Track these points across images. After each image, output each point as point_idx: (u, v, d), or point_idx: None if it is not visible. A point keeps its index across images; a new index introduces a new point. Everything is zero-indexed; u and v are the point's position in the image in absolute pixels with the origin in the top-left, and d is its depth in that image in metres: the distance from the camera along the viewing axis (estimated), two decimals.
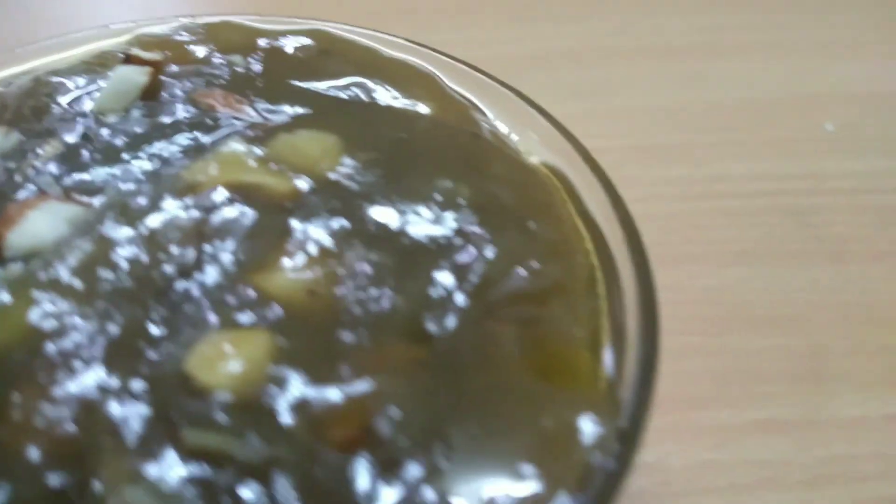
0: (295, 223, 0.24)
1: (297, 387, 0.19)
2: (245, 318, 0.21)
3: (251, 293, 0.22)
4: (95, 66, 0.30)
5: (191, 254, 0.23)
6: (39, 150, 0.26)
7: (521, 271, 0.23)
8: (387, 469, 0.19)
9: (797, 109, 0.54)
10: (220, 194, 0.24)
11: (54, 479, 0.18)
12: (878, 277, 0.43)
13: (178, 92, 0.28)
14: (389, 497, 0.18)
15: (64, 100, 0.28)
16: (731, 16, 0.62)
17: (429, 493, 0.18)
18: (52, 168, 0.26)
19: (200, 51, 0.31)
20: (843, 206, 0.47)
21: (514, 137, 0.30)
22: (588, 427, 0.20)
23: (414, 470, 0.19)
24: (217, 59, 0.30)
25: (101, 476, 0.18)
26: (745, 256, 0.44)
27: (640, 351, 0.22)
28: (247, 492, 0.18)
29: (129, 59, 0.28)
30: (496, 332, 0.22)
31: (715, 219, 0.45)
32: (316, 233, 0.23)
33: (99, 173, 0.26)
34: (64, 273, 0.22)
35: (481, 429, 0.20)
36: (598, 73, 0.55)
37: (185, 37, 0.31)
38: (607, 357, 0.22)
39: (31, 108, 0.28)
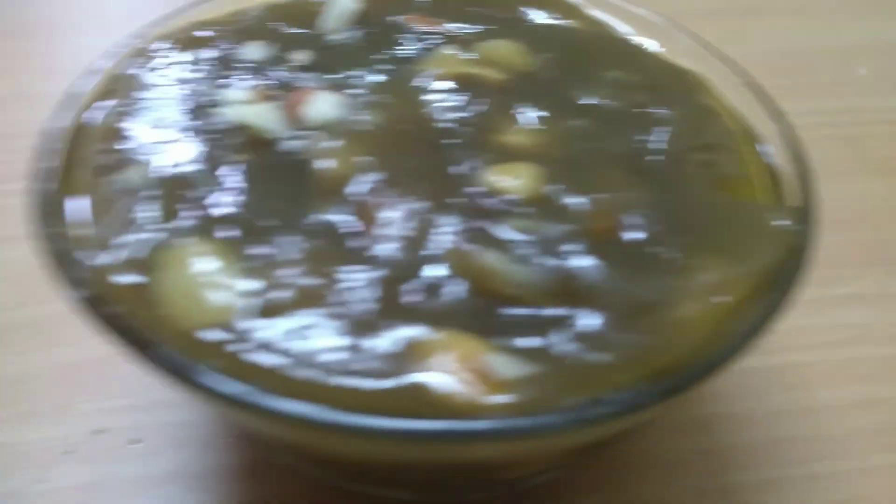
0: (514, 101, 0.30)
1: (565, 194, 0.26)
2: (503, 159, 0.28)
3: (498, 146, 0.29)
4: None
5: (446, 121, 0.29)
6: (292, 58, 0.33)
7: (696, 130, 0.30)
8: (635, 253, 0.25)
9: (832, 59, 0.62)
10: (452, 80, 0.31)
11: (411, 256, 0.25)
12: None
13: (385, 16, 0.35)
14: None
15: (292, 25, 0.35)
16: None
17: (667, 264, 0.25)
18: (306, 71, 0.32)
19: None
20: (882, 133, 0.55)
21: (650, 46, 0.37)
22: (775, 219, 0.27)
23: (654, 247, 0.25)
24: None
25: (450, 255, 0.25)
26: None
27: (798, 176, 0.29)
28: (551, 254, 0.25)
29: None
30: (687, 170, 0.29)
31: None
32: (531, 107, 0.30)
33: (345, 74, 0.32)
34: (365, 128, 0.28)
35: (695, 226, 0.27)
36: None
37: None
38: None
39: (274, 30, 0.34)
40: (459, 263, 0.24)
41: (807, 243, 0.27)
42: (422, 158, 0.28)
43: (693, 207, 0.27)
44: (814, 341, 0.41)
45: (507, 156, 0.28)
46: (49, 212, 0.26)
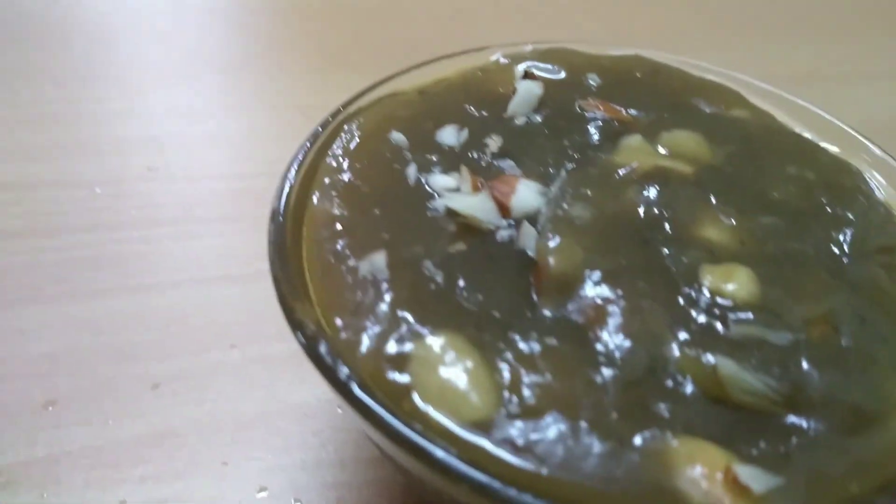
0: (709, 194, 0.32)
1: (780, 300, 0.28)
2: (711, 257, 0.29)
3: (701, 242, 0.30)
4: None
5: (648, 214, 0.31)
6: (487, 142, 0.34)
7: (877, 230, 0.32)
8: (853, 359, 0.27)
9: None
10: (648, 173, 0.33)
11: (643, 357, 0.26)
12: None
13: (563, 101, 0.37)
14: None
15: (478, 106, 0.37)
16: (856, 45, 0.72)
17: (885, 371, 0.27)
18: (502, 157, 0.34)
19: (558, 70, 0.39)
20: None
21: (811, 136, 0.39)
22: None
23: (871, 353, 0.27)
24: (574, 77, 0.39)
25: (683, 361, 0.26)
26: None
27: None
28: (780, 363, 0.26)
29: (528, 76, 0.37)
30: (875, 272, 0.31)
31: None
32: (724, 202, 0.32)
33: (537, 160, 0.34)
34: (582, 222, 0.30)
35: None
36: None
37: (538, 58, 0.40)
38: None
39: (464, 111, 0.36)
40: (691, 369, 0.26)
41: None
42: (635, 253, 0.29)
43: (889, 313, 0.29)
44: None
45: (713, 252, 0.30)
46: (297, 297, 0.28)
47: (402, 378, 0.25)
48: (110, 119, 0.57)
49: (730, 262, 0.29)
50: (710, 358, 0.26)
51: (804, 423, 0.25)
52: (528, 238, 0.30)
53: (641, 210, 0.31)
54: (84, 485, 0.35)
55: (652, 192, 0.32)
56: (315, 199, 0.32)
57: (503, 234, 0.30)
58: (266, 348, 0.41)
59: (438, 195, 0.32)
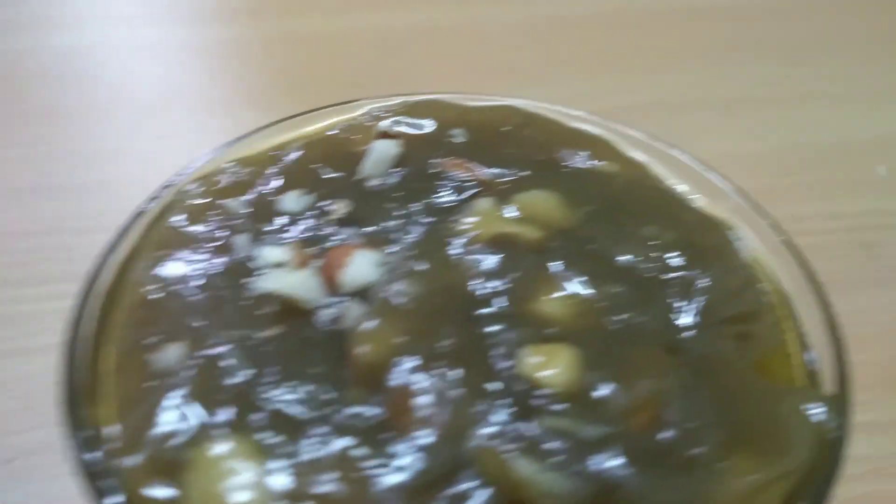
0: (550, 263, 0.30)
1: (603, 384, 0.26)
2: (539, 334, 0.28)
3: (534, 317, 0.29)
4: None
5: (482, 287, 0.29)
6: (330, 209, 0.33)
7: (732, 298, 0.30)
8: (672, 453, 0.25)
9: (851, 154, 0.62)
10: (489, 242, 0.31)
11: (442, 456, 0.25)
12: None
13: (422, 159, 0.35)
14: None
15: (330, 167, 0.35)
16: (792, 68, 0.71)
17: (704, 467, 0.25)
18: (344, 223, 0.32)
19: (425, 125, 0.38)
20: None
21: (683, 189, 0.37)
22: (814, 409, 0.27)
23: (692, 447, 0.25)
24: (440, 132, 0.37)
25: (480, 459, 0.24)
26: (828, 287, 0.51)
27: (831, 356, 0.29)
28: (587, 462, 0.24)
29: (385, 135, 0.35)
30: (724, 346, 0.29)
31: None
32: (567, 270, 0.30)
33: (382, 226, 0.32)
34: (403, 302, 0.28)
35: (732, 416, 0.27)
36: (678, 123, 0.63)
37: (407, 112, 0.38)
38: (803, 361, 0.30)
39: (311, 174, 0.34)
40: (490, 469, 0.24)
41: (843, 440, 0.27)
42: (458, 334, 0.28)
43: (728, 394, 0.27)
44: None
45: (544, 330, 0.28)
46: (78, 403, 0.26)
47: (169, 492, 0.24)
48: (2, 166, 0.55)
49: (560, 340, 0.28)
50: (513, 458, 0.24)
51: None
52: (351, 318, 0.28)
53: (475, 283, 0.29)
54: None
55: (489, 263, 0.30)
56: (131, 279, 0.30)
57: (328, 314, 0.29)
58: None
59: (261, 272, 0.30)
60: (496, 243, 0.31)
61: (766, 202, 0.55)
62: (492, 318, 0.28)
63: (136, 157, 0.58)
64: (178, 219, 0.32)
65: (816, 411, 0.27)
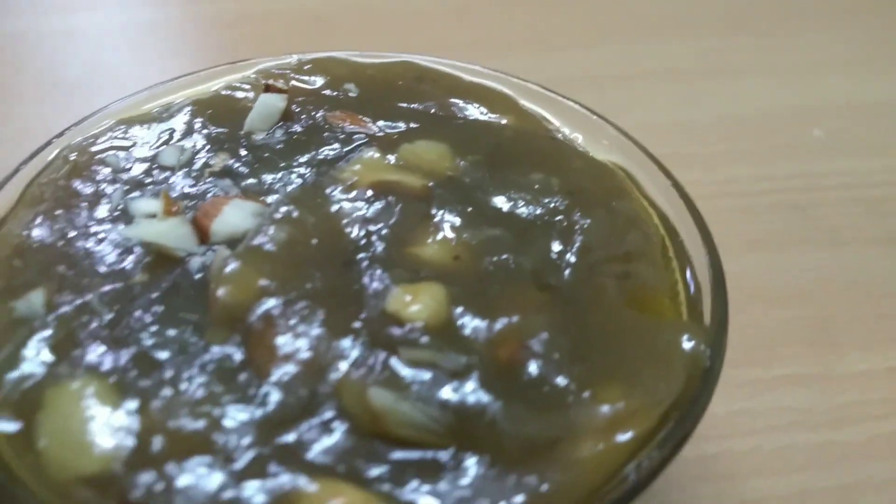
0: (432, 209, 0.30)
1: (470, 319, 0.26)
2: (413, 276, 0.28)
3: (411, 260, 0.28)
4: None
5: (361, 233, 0.29)
6: (211, 162, 0.33)
7: (613, 239, 0.30)
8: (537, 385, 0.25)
9: (788, 120, 0.62)
10: (371, 188, 0.31)
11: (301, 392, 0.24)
12: (871, 258, 0.50)
13: (311, 114, 0.35)
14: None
15: (215, 123, 0.35)
16: (726, 39, 0.71)
17: (569, 397, 0.25)
18: (224, 176, 0.32)
19: (318, 81, 0.37)
20: (835, 199, 0.55)
21: (579, 139, 0.37)
22: (686, 342, 0.27)
23: (558, 378, 0.25)
24: (332, 87, 0.37)
25: (340, 392, 0.24)
26: (757, 245, 0.51)
27: (713, 291, 0.29)
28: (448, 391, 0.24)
29: (269, 88, 0.35)
30: (600, 284, 0.29)
31: (730, 214, 0.52)
32: (449, 215, 0.30)
33: (263, 179, 0.32)
34: (271, 247, 0.28)
35: (603, 350, 0.26)
36: (614, 94, 0.63)
37: (301, 70, 0.38)
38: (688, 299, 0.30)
39: (195, 130, 0.34)
40: (349, 402, 0.24)
41: (714, 369, 0.26)
42: (330, 277, 0.28)
43: (601, 329, 0.27)
44: (748, 427, 0.40)
45: (419, 272, 0.28)
46: None
47: (19, 426, 0.24)
48: None
49: (431, 280, 0.27)
50: (372, 389, 0.24)
51: (469, 458, 0.24)
52: (221, 263, 0.28)
53: (353, 229, 0.29)
54: None
55: (369, 209, 0.30)
56: (6, 234, 0.30)
57: (197, 262, 0.29)
58: None
59: (134, 222, 0.30)
60: (378, 191, 0.31)
61: (695, 167, 0.56)
62: (366, 263, 0.28)
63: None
64: (55, 175, 0.32)
65: (689, 343, 0.27)
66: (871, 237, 0.52)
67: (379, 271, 0.28)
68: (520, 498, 0.23)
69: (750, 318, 0.46)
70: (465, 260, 0.29)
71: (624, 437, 0.24)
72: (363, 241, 0.29)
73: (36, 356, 0.25)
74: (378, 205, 0.30)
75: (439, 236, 0.30)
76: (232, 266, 0.27)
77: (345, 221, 0.30)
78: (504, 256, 0.29)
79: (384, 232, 0.29)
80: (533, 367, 0.25)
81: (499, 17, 0.74)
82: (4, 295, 0.27)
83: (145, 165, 0.32)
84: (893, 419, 0.41)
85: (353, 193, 0.31)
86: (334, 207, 0.30)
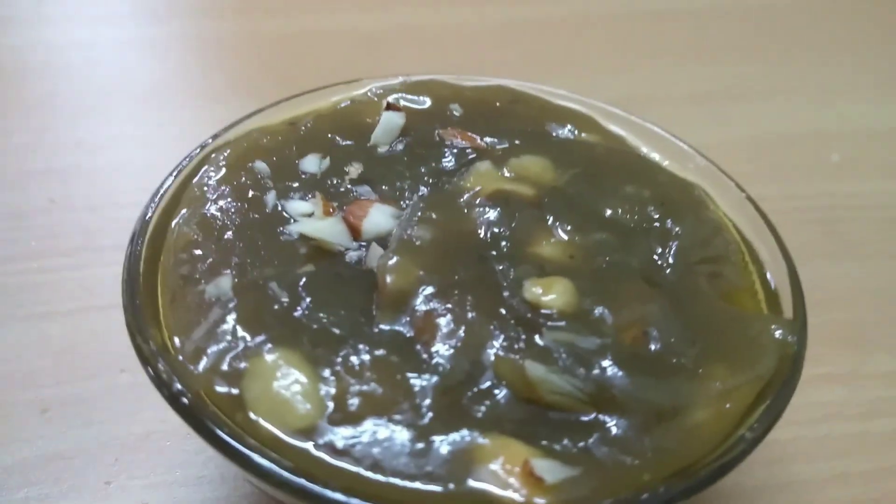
0: (546, 215, 0.35)
1: (596, 307, 0.31)
2: (539, 271, 0.32)
3: (533, 258, 0.33)
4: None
5: (488, 233, 0.34)
6: (346, 170, 0.37)
7: (702, 244, 0.35)
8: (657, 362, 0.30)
9: (808, 144, 0.68)
10: (491, 196, 0.35)
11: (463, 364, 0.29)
12: (889, 269, 0.56)
13: (425, 130, 0.40)
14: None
15: (343, 136, 0.39)
16: (750, 66, 0.77)
17: (685, 373, 0.30)
18: (361, 183, 0.37)
19: (426, 101, 0.42)
20: (854, 217, 0.60)
21: (657, 158, 0.42)
22: (776, 331, 0.32)
23: (675, 357, 0.30)
24: (439, 107, 0.42)
25: (498, 365, 0.29)
26: None
27: (792, 290, 0.34)
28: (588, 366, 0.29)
29: (389, 107, 0.40)
30: (697, 281, 0.34)
31: None
32: (560, 220, 0.35)
33: (395, 185, 0.37)
34: (421, 244, 0.33)
35: (706, 335, 0.31)
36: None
37: (409, 90, 0.43)
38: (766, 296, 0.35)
39: (328, 141, 0.39)
40: (506, 373, 0.29)
41: (800, 354, 0.32)
42: (470, 270, 0.32)
43: (703, 319, 0.32)
44: (791, 419, 0.45)
45: (543, 268, 0.32)
46: (142, 320, 0.30)
47: (234, 392, 0.28)
48: (14, 152, 0.58)
49: (556, 275, 0.32)
50: (525, 362, 0.29)
51: (607, 420, 0.28)
52: (374, 258, 0.33)
53: (481, 230, 0.34)
54: None
55: (492, 214, 0.35)
56: (174, 227, 0.34)
57: (353, 256, 0.33)
58: None
59: (293, 220, 0.34)
60: (497, 198, 0.35)
61: None
62: (497, 259, 0.33)
63: (136, 142, 0.62)
64: (211, 178, 0.36)
65: (778, 331, 0.32)
66: (890, 252, 0.58)
67: (509, 266, 0.32)
68: (650, 455, 0.28)
69: None
70: (578, 259, 0.34)
71: (730, 408, 0.29)
72: (490, 241, 0.34)
73: (231, 331, 0.30)
74: (498, 210, 0.35)
75: (553, 238, 0.34)
76: (394, 260, 0.32)
77: (473, 224, 0.34)
78: (613, 256, 0.34)
79: (507, 233, 0.34)
80: (654, 348, 0.30)
81: (536, 40, 0.80)
82: (191, 281, 0.32)
83: (291, 171, 0.37)
84: None
85: (477, 200, 0.35)
86: (463, 211, 0.35)
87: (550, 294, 0.31)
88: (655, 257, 0.34)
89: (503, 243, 0.34)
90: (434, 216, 0.34)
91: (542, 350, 0.29)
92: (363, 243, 0.34)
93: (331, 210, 0.34)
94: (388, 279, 0.31)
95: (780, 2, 0.89)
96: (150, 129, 0.63)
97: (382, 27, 0.79)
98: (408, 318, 0.30)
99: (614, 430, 0.28)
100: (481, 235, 0.34)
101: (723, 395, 0.29)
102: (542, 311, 0.31)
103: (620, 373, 0.29)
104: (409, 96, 0.43)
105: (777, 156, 0.66)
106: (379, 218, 0.34)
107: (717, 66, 0.76)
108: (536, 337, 0.30)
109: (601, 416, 0.28)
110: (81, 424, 0.40)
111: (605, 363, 0.29)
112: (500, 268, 0.32)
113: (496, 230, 0.34)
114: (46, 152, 0.59)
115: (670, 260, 0.34)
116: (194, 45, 0.76)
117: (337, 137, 0.39)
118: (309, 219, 0.34)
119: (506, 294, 0.31)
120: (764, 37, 0.83)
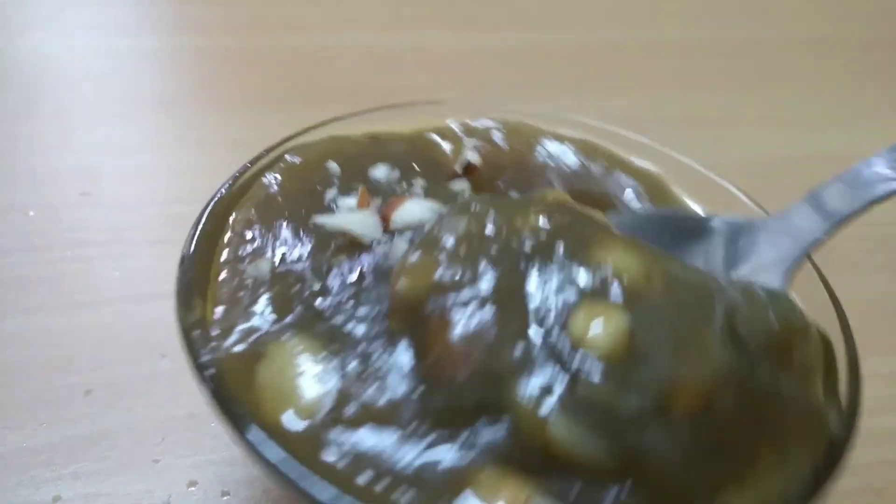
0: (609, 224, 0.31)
1: (652, 354, 0.24)
2: (589, 286, 0.26)
3: (590, 270, 0.27)
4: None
5: (534, 238, 0.28)
6: (413, 181, 0.37)
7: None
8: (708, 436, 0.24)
9: (794, 169, 0.70)
10: (552, 204, 0.31)
11: (475, 392, 0.25)
12: (883, 283, 0.56)
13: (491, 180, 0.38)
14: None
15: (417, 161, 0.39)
16: (741, 93, 0.79)
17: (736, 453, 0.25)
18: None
19: (511, 143, 0.41)
20: (846, 235, 0.62)
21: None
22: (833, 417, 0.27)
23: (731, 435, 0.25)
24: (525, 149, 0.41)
25: (516, 410, 0.24)
26: None
27: (849, 381, 0.29)
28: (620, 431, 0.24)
29: (467, 171, 0.38)
30: (768, 352, 0.27)
31: None
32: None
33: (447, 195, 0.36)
34: (448, 237, 0.28)
35: (767, 416, 0.26)
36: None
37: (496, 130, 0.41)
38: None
39: (403, 163, 0.38)
40: (524, 422, 0.24)
41: (847, 447, 0.26)
42: (503, 281, 0.27)
43: (769, 396, 0.26)
44: None
45: (605, 282, 0.27)
46: (191, 288, 0.30)
47: (249, 371, 0.27)
48: (46, 151, 0.58)
49: (615, 304, 0.26)
50: (544, 412, 0.24)
51: (625, 489, 0.24)
52: (398, 251, 0.31)
53: (537, 233, 0.28)
54: (17, 484, 0.35)
55: (549, 219, 0.29)
56: (238, 209, 0.34)
57: (382, 249, 0.32)
58: None
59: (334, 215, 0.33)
60: (559, 205, 0.31)
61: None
62: (542, 271, 0.27)
63: (157, 147, 0.62)
64: (283, 169, 0.36)
65: (834, 419, 0.27)
66: (881, 265, 0.60)
67: (563, 280, 0.27)
68: None
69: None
70: (656, 283, 0.26)
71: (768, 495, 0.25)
72: (544, 249, 0.28)
73: (261, 312, 0.29)
74: (559, 216, 0.29)
75: (617, 252, 0.28)
76: (412, 256, 0.28)
77: (523, 223, 0.29)
78: (689, 294, 0.27)
79: (566, 241, 0.28)
80: (710, 422, 0.24)
81: (543, 62, 0.80)
82: (234, 262, 0.31)
83: (360, 176, 0.36)
84: None
85: (535, 204, 0.30)
86: (514, 209, 0.30)
87: (597, 329, 0.25)
88: (728, 313, 0.27)
89: (559, 250, 0.28)
90: (478, 207, 0.29)
91: (572, 404, 0.24)
92: (391, 234, 0.32)
93: (367, 203, 0.33)
94: (399, 283, 0.28)
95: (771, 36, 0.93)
96: (175, 133, 0.64)
97: (396, 47, 0.80)
98: (419, 327, 0.27)
99: (638, 500, 0.24)
100: (529, 240, 0.28)
101: (764, 479, 0.25)
102: (582, 349, 0.25)
103: (658, 444, 0.24)
104: (496, 136, 0.42)
105: (770, 178, 0.68)
106: (414, 209, 0.32)
107: (704, 95, 0.78)
108: (568, 383, 0.24)
109: (625, 483, 0.24)
110: (125, 406, 0.39)
111: (642, 430, 0.24)
112: (546, 283, 0.27)
113: (553, 236, 0.28)
114: (76, 152, 0.59)
115: (745, 321, 0.27)
116: (212, 57, 0.77)
117: (414, 164, 0.39)
118: (348, 212, 0.33)
119: (545, 316, 0.26)
120: (750, 67, 0.85)
